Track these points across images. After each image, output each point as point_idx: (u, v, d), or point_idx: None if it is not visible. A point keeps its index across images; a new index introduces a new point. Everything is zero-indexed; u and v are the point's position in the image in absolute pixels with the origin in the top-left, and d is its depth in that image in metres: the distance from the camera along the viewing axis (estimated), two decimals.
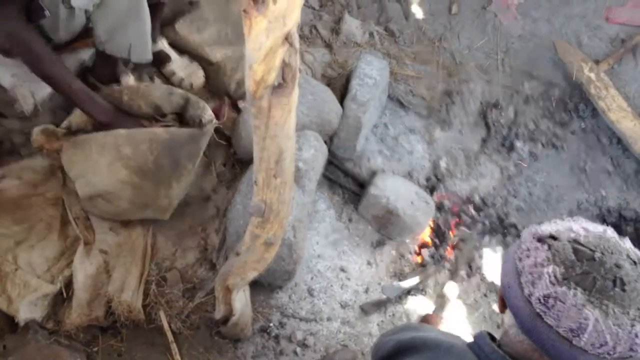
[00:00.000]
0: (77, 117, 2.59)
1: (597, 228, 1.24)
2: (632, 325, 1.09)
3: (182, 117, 2.66)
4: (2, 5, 2.19)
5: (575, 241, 1.19)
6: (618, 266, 1.14)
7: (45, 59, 2.32)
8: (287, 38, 1.33)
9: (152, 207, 2.56)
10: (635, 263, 1.16)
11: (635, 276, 1.14)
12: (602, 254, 1.17)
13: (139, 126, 2.51)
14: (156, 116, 2.62)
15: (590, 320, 1.10)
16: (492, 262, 3.01)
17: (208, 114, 2.58)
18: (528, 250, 1.24)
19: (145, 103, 2.59)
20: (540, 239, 1.24)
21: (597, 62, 3.51)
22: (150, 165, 2.43)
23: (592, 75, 3.40)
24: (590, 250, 1.17)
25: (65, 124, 2.60)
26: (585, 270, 1.14)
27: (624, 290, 1.11)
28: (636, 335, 1.09)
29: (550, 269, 1.16)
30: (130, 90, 2.63)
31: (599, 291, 1.11)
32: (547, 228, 1.27)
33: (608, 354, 1.10)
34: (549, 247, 1.20)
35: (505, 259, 1.33)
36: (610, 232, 1.24)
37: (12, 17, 2.23)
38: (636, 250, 1.22)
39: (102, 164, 2.41)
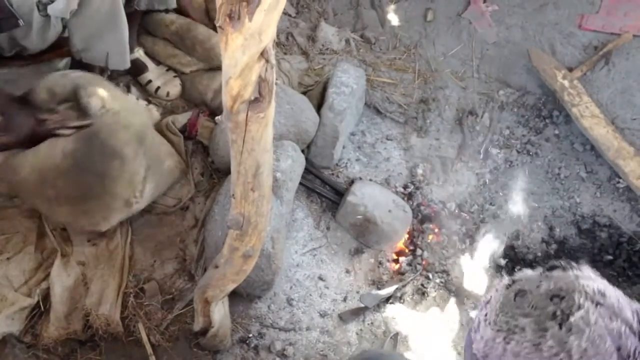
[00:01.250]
0: None
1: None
2: None
3: (77, 105, 2.51)
4: None
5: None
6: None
7: None
8: (263, 54, 1.34)
9: (113, 213, 2.52)
10: None
11: None
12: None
13: (33, 118, 2.39)
14: (52, 105, 2.50)
15: None
16: (468, 270, 3.03)
17: (94, 100, 2.43)
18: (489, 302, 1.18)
19: (47, 94, 2.50)
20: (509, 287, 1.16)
21: (570, 69, 3.55)
22: (78, 192, 2.41)
23: (566, 83, 3.44)
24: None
25: None
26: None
27: None
28: None
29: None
30: (41, 90, 2.53)
31: None
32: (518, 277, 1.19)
33: None
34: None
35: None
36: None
37: None
38: None
39: (40, 204, 2.46)
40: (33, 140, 2.36)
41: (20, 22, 2.33)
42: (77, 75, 2.54)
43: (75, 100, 2.48)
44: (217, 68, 3.01)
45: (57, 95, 2.50)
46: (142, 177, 2.52)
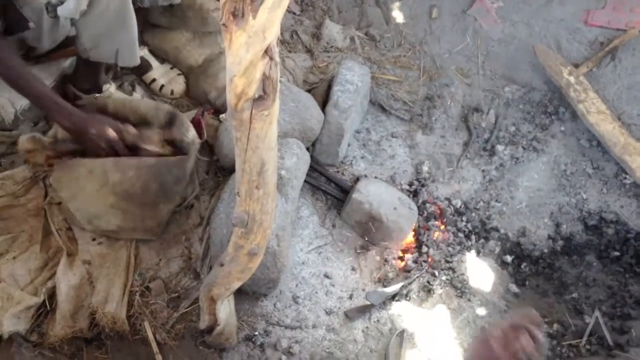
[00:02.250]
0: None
1: None
2: None
3: (167, 131, 2.65)
4: None
5: None
6: None
7: (9, 64, 2.29)
8: (267, 52, 1.34)
9: (140, 229, 2.59)
10: None
11: None
12: None
13: (112, 124, 2.42)
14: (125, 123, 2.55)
15: None
16: (474, 267, 3.02)
17: (191, 134, 2.58)
18: None
19: (134, 116, 2.58)
20: None
21: (576, 65, 3.54)
22: (137, 191, 2.44)
23: (572, 79, 3.43)
24: None
25: (51, 132, 2.59)
26: None
27: None
28: None
29: None
30: (115, 102, 2.63)
31: None
32: None
33: None
34: None
35: None
36: None
37: None
38: None
39: (90, 189, 2.43)
40: (97, 144, 2.41)
41: (31, 24, 2.33)
42: (171, 108, 2.65)
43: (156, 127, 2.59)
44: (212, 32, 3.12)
45: (150, 122, 2.60)
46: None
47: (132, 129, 2.45)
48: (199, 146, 2.65)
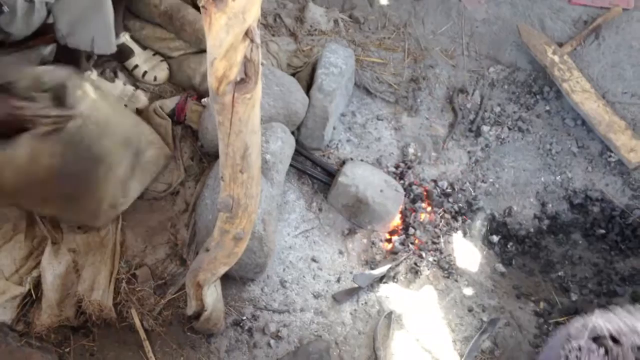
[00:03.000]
0: None
1: None
2: None
3: (60, 97, 2.49)
4: None
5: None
6: None
7: None
8: (247, 34, 1.32)
9: (99, 216, 2.56)
10: None
11: None
12: None
13: (8, 105, 2.33)
14: (33, 93, 2.44)
15: None
16: (460, 247, 3.04)
17: (79, 95, 2.44)
18: (579, 349, 1.04)
19: (26, 77, 2.47)
20: (597, 339, 1.04)
21: (560, 44, 3.54)
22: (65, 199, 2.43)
23: (556, 58, 3.43)
24: None
25: None
26: None
27: None
28: None
29: None
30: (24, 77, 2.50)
31: None
32: (607, 325, 1.06)
33: None
34: (607, 351, 1.01)
35: (550, 348, 1.12)
36: None
37: None
38: None
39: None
40: (8, 126, 2.33)
41: (5, 8, 2.29)
42: (67, 70, 2.52)
43: (58, 94, 2.46)
44: (206, 50, 2.99)
45: (44, 84, 2.47)
46: (126, 179, 2.56)
47: (32, 104, 2.38)
48: (92, 113, 2.46)
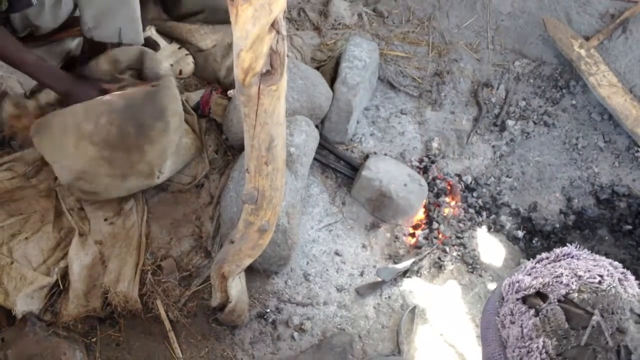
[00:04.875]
0: (44, 92, 2.62)
1: (592, 275, 1.04)
2: None
3: (140, 73, 2.68)
4: None
5: (568, 301, 1.00)
6: (621, 330, 0.96)
7: None
8: (273, 25, 1.32)
9: (133, 175, 2.52)
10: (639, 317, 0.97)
11: None
12: (601, 315, 0.97)
13: (97, 89, 2.47)
14: (115, 74, 2.61)
15: None
16: (485, 242, 3.02)
17: (164, 66, 2.60)
18: (512, 314, 1.05)
19: (104, 61, 2.61)
20: (526, 301, 1.04)
21: (587, 38, 3.50)
22: (115, 136, 2.39)
23: (582, 52, 3.40)
24: (587, 312, 0.98)
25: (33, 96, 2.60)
26: (582, 341, 0.95)
27: None
28: None
29: (540, 342, 0.98)
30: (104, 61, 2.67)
31: None
32: (532, 282, 1.05)
33: None
34: (537, 312, 1.01)
35: (484, 315, 1.11)
36: (609, 278, 1.04)
37: None
38: None
39: (68, 145, 2.39)
40: None
41: (34, 1, 2.33)
42: (137, 47, 2.67)
43: (139, 68, 2.66)
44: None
45: (121, 63, 2.63)
46: (170, 152, 2.58)
47: (117, 84, 2.52)
48: (174, 79, 2.61)
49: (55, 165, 2.45)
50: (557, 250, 1.14)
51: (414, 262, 2.86)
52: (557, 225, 3.13)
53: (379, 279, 2.79)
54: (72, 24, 2.68)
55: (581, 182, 3.24)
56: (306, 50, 3.33)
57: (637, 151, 3.27)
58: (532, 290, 1.04)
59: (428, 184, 3.07)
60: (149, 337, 2.52)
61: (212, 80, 3.09)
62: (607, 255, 2.87)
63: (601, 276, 1.03)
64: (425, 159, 3.22)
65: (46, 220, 2.59)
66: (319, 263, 2.81)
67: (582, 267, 1.06)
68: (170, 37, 3.15)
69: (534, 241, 3.09)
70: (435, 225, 3.01)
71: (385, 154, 3.17)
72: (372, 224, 2.99)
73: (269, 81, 1.44)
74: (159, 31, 3.11)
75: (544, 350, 0.97)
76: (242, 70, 1.39)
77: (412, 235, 3.00)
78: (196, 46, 3.11)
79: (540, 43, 3.59)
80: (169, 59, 3.08)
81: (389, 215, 2.97)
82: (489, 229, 3.08)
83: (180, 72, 3.08)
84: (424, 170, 3.17)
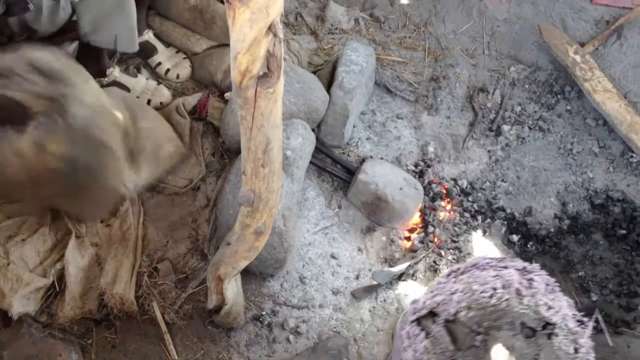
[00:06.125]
0: None
1: (486, 289, 1.02)
2: None
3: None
4: None
5: (455, 321, 1.00)
6: (509, 348, 0.95)
7: None
8: (270, 28, 1.34)
9: (100, 199, 2.57)
10: (532, 331, 0.97)
11: (532, 354, 0.95)
12: (487, 333, 0.96)
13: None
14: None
15: None
16: (480, 246, 3.03)
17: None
18: (408, 337, 1.07)
19: None
20: (420, 321, 1.05)
21: (582, 44, 3.52)
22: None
23: (578, 58, 3.42)
24: (472, 331, 0.98)
25: None
26: None
27: None
28: None
29: None
30: None
31: None
32: (427, 302, 1.06)
33: None
34: (427, 333, 1.02)
35: (396, 337, 1.10)
36: (501, 292, 1.01)
37: None
38: (543, 300, 0.96)
39: None
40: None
41: (30, 6, 2.33)
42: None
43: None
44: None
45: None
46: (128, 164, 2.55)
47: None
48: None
49: None
50: (468, 261, 1.13)
51: (409, 266, 2.88)
52: (552, 230, 3.15)
53: (375, 282, 2.80)
54: (69, 28, 2.68)
55: (576, 187, 3.26)
56: (303, 55, 3.34)
57: (632, 156, 3.29)
58: (424, 312, 1.04)
59: (424, 188, 3.08)
60: (145, 339, 2.52)
61: (209, 84, 3.10)
62: (601, 259, 2.89)
63: (495, 289, 1.01)
64: (421, 163, 3.23)
65: (43, 222, 2.59)
66: (315, 266, 2.82)
67: (481, 279, 1.04)
68: (167, 42, 3.16)
69: (528, 245, 3.10)
70: (430, 229, 3.02)
71: (382, 158, 3.18)
72: (368, 227, 3.00)
73: (266, 84, 1.46)
74: (156, 35, 3.12)
75: None
76: (239, 72, 1.40)
77: (408, 238, 3.02)
78: (191, 50, 3.13)
79: (535, 49, 3.62)
80: (166, 63, 3.10)
81: (384, 219, 2.98)
82: (484, 233, 3.09)
83: (178, 76, 3.09)
84: (420, 175, 3.18)
